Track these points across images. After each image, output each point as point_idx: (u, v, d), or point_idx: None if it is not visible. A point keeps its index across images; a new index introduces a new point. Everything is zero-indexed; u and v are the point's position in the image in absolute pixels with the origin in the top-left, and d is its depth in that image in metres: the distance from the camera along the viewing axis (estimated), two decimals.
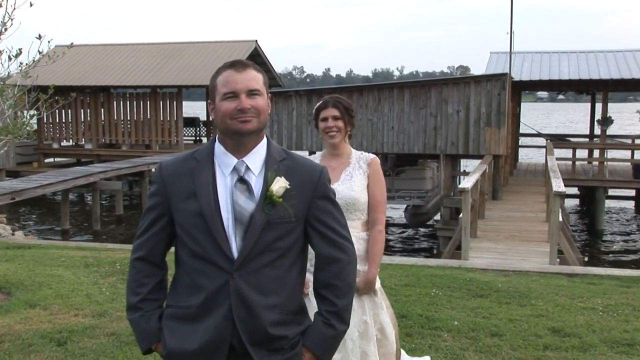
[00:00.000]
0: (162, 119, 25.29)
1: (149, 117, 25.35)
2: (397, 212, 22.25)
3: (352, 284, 2.33)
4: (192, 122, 29.37)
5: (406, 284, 7.39)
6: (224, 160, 2.23)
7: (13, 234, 12.11)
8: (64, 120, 26.92)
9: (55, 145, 27.00)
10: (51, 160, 28.01)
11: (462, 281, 7.51)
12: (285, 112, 17.71)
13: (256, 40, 27.86)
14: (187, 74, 25.20)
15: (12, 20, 6.43)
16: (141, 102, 25.62)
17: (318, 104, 3.68)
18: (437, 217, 18.93)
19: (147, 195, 2.43)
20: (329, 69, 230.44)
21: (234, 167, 2.22)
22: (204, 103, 27.51)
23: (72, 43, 6.74)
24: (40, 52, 6.74)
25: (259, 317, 2.17)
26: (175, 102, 25.25)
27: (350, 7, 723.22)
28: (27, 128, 6.72)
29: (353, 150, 3.73)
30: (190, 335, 2.19)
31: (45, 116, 26.80)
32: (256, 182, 2.22)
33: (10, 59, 6.64)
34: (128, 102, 25.89)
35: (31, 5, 6.51)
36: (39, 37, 6.72)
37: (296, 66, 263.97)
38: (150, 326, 2.28)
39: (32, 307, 6.22)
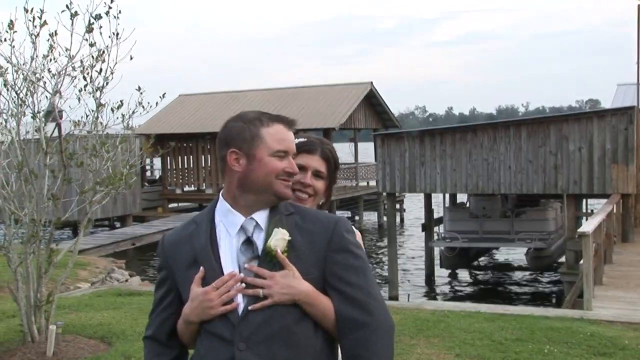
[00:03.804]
0: None
1: None
2: (517, 255, 21.22)
3: (383, 354, 1.93)
4: None
5: (518, 338, 6.83)
6: (231, 219, 2.00)
7: (126, 281, 12.49)
8: (186, 167, 27.99)
9: (178, 191, 28.10)
10: (175, 205, 29.14)
11: (583, 336, 6.83)
12: (398, 153, 17.36)
13: (371, 82, 27.98)
14: (304, 118, 25.58)
15: (112, 74, 6.60)
16: None
17: (299, 140, 2.40)
18: (562, 259, 17.83)
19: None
20: (451, 108, 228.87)
21: (242, 226, 1.98)
22: None
23: (164, 94, 6.86)
24: (140, 103, 6.89)
25: None
26: None
27: (470, 44, 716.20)
28: (126, 179, 6.81)
29: None
30: None
31: (168, 163, 28.12)
32: (259, 239, 1.97)
33: (112, 111, 6.84)
34: None
35: (131, 58, 6.66)
36: (139, 89, 6.91)
37: (418, 106, 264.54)
38: None
39: (127, 359, 6.20)
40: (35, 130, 6.64)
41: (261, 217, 1.98)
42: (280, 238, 1.91)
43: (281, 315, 1.90)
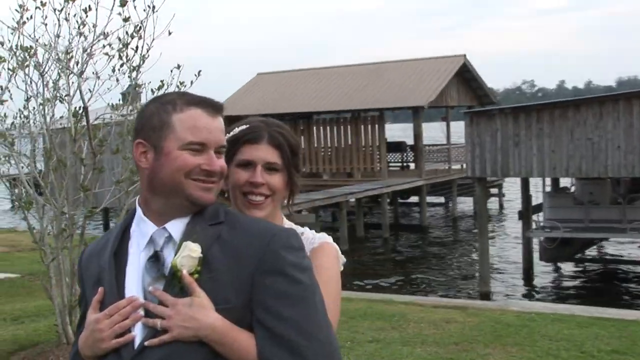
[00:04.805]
0: (363, 144, 24.70)
1: (349, 143, 24.93)
2: (630, 248, 19.48)
3: None
4: (397, 146, 28.59)
5: (614, 350, 6.03)
6: (142, 229, 1.70)
7: None
8: None
9: None
10: None
11: None
12: (489, 133, 16.12)
13: (464, 55, 26.56)
14: (391, 95, 24.52)
15: (149, 51, 6.21)
16: (342, 128, 25.29)
17: (239, 128, 1.97)
18: None
19: None
20: (563, 81, 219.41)
21: (151, 237, 1.67)
22: (411, 125, 26.55)
23: (200, 71, 6.34)
24: (181, 83, 6.45)
25: None
26: (377, 126, 24.61)
27: (584, 9, 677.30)
28: None
29: (287, 226, 1.98)
30: None
31: None
32: (170, 255, 1.64)
33: (152, 92, 6.44)
34: (328, 128, 25.67)
35: (170, 34, 6.26)
36: (178, 67, 6.49)
37: (525, 80, 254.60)
38: None
39: None
40: (73, 116, 6.25)
41: (176, 227, 1.66)
42: (186, 255, 1.57)
43: (181, 356, 1.56)
